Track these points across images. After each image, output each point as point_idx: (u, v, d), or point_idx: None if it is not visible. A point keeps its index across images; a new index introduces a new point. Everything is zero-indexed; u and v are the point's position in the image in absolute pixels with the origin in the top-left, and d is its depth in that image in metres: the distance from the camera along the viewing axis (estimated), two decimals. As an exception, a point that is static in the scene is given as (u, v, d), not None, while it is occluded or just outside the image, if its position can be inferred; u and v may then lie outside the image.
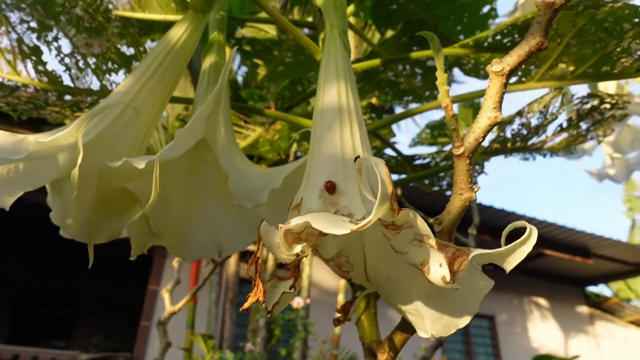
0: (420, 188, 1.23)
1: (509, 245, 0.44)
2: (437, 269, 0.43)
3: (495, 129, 0.87)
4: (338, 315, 0.54)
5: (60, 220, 0.55)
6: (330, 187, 0.48)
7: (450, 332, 0.48)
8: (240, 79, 1.60)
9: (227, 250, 0.58)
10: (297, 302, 4.92)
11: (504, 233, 0.46)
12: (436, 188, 1.18)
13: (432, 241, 0.43)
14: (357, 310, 0.64)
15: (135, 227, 0.53)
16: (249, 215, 0.57)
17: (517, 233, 0.46)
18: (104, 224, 0.52)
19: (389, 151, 1.28)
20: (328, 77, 0.53)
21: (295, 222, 0.44)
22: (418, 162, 1.13)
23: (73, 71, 0.72)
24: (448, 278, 0.42)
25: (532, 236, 0.43)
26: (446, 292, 0.48)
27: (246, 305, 0.47)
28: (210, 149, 0.53)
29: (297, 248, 0.44)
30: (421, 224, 0.43)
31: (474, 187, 0.47)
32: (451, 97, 0.51)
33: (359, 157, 0.44)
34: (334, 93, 0.51)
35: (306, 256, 0.46)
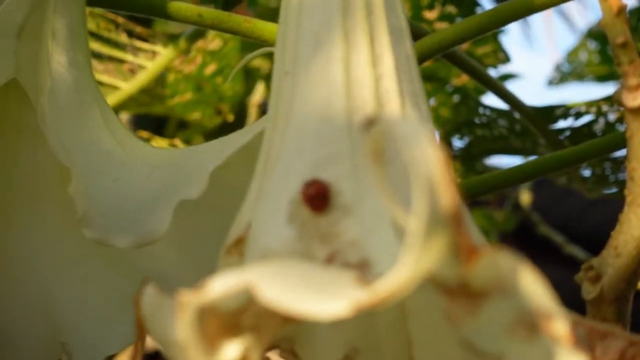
0: (573, 189, 0.57)
1: None
2: None
3: None
4: None
5: None
6: (317, 196, 0.19)
7: None
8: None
9: (79, 354, 0.28)
10: None
11: None
12: (612, 190, 0.54)
13: (562, 327, 0.15)
14: None
15: None
16: (125, 273, 0.27)
17: None
18: None
19: (493, 100, 0.61)
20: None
21: (221, 285, 0.15)
22: (563, 124, 0.50)
23: None
24: None
25: None
26: None
27: None
28: (32, 108, 0.25)
29: (232, 350, 0.16)
30: (531, 286, 0.15)
31: None
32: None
33: (371, 121, 0.16)
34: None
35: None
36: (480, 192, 0.35)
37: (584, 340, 0.18)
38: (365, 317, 0.22)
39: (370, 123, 0.16)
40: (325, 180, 0.19)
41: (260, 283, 0.15)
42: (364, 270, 0.19)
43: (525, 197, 0.80)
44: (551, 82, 0.90)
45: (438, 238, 0.14)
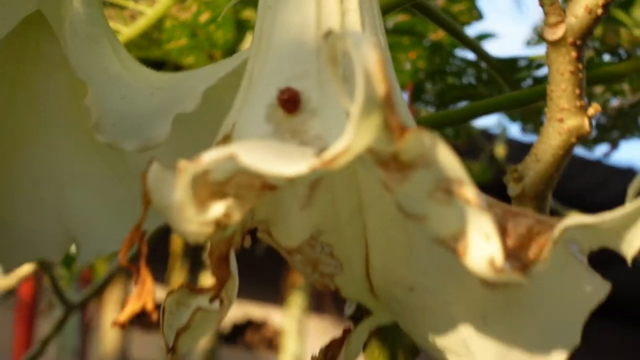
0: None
1: (625, 209, 0.21)
2: (480, 245, 0.20)
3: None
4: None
5: None
6: (290, 100, 0.24)
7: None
8: None
9: (85, 249, 0.32)
10: None
11: (631, 189, 0.24)
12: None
13: (469, 192, 0.20)
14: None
15: None
16: (130, 173, 0.32)
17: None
18: None
19: (465, 53, 0.64)
20: None
21: (211, 156, 0.20)
22: (526, 74, 0.55)
23: None
24: (499, 261, 0.20)
25: None
26: (517, 307, 0.24)
27: (122, 317, 0.23)
28: (52, 35, 0.29)
29: (217, 208, 0.20)
30: (446, 159, 0.19)
31: (587, 106, 0.24)
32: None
33: (330, 33, 0.21)
34: None
35: (235, 228, 0.22)
36: (442, 125, 0.40)
37: (500, 218, 0.23)
38: (328, 206, 0.27)
39: (329, 34, 0.20)
40: (296, 89, 0.24)
41: (241, 152, 0.19)
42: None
43: (500, 150, 0.85)
44: (529, 43, 0.95)
45: (373, 117, 0.19)
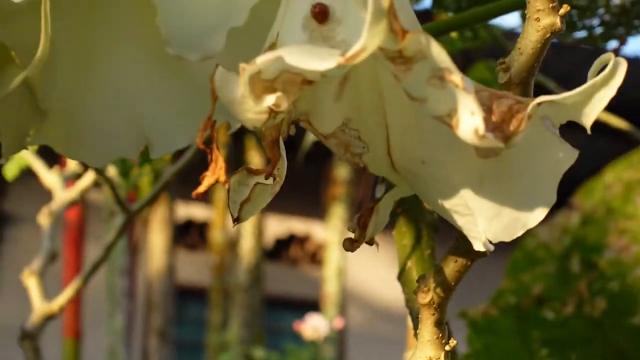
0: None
1: (583, 87, 0.27)
2: (467, 119, 0.26)
3: None
4: (351, 233, 0.37)
5: None
6: (320, 13, 0.30)
7: (515, 235, 0.31)
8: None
9: (157, 146, 0.39)
10: (315, 328, 3.14)
11: (591, 72, 0.29)
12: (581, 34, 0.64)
13: (457, 77, 0.26)
14: (402, 252, 0.43)
15: (10, 104, 0.35)
16: (193, 79, 0.38)
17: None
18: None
19: None
20: None
21: (263, 59, 0.26)
22: None
23: None
24: (481, 130, 0.26)
25: (617, 72, 0.27)
26: (506, 172, 0.31)
27: (201, 188, 0.30)
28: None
29: (270, 99, 0.27)
30: (439, 53, 0.25)
31: (557, 7, 0.29)
32: None
33: None
34: None
35: (283, 117, 0.29)
36: (459, 27, 0.45)
37: (486, 99, 0.29)
38: (355, 99, 0.33)
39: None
40: (325, 3, 0.30)
41: (286, 55, 0.26)
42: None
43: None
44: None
45: (381, 24, 0.25)
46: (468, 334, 0.22)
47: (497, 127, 0.28)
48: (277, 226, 5.72)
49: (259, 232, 3.75)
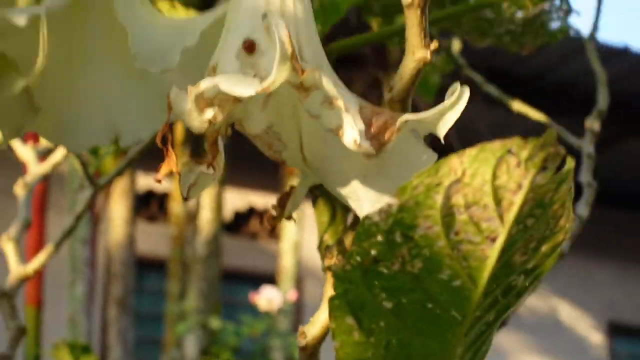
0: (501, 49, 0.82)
1: (436, 108, 0.38)
2: (349, 132, 0.37)
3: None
4: (272, 211, 0.48)
5: None
6: (249, 46, 0.40)
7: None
8: None
9: (125, 136, 0.50)
10: (269, 299, 3.23)
11: (447, 96, 0.40)
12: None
13: (341, 102, 0.37)
14: (320, 227, 0.55)
15: (10, 103, 0.44)
16: (155, 87, 0.48)
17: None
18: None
19: None
20: None
21: (205, 84, 0.37)
22: None
23: None
24: (358, 140, 0.37)
25: (461, 98, 0.38)
26: (383, 169, 0.42)
27: (159, 177, 0.40)
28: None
29: (209, 112, 0.37)
30: (327, 84, 0.37)
31: (429, 44, 0.39)
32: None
33: (265, 15, 0.38)
34: None
35: (221, 124, 0.39)
36: (357, 45, 0.56)
37: (368, 115, 0.39)
38: (277, 108, 0.44)
39: (265, 16, 0.37)
40: (253, 39, 0.40)
41: (220, 82, 0.36)
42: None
43: (456, 45, 1.01)
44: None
45: (286, 64, 0.35)
46: (333, 282, 0.33)
47: (374, 136, 0.39)
48: (237, 200, 5.79)
49: (218, 205, 3.82)
